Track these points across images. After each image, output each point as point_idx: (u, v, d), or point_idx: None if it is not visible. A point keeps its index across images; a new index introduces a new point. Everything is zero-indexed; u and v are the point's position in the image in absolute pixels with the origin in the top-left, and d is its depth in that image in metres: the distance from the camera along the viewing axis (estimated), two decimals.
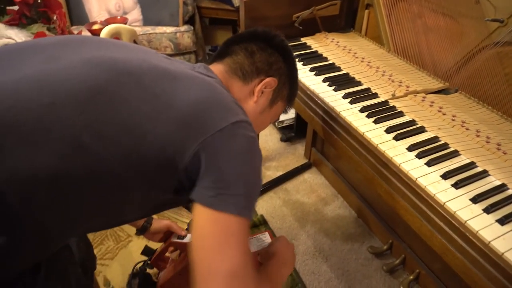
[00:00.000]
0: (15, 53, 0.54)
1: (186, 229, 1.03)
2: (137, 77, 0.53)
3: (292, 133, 1.87)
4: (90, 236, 1.37)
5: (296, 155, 1.80)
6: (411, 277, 1.24)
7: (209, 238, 0.50)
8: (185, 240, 0.99)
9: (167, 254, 1.09)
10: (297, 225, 1.47)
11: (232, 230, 0.51)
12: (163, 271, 1.08)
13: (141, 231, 1.03)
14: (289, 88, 0.77)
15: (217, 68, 0.70)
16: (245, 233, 0.52)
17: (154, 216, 1.03)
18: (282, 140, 1.87)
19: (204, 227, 0.51)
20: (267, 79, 0.70)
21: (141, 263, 1.13)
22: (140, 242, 1.37)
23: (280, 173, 1.68)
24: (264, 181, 1.64)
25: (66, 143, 0.47)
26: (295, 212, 1.52)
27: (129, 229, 1.42)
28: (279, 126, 1.90)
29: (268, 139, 1.89)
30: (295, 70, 0.77)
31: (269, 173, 1.69)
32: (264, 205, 1.55)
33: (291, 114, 1.89)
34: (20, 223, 0.46)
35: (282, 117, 1.89)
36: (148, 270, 1.14)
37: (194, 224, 0.52)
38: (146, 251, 1.12)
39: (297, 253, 1.36)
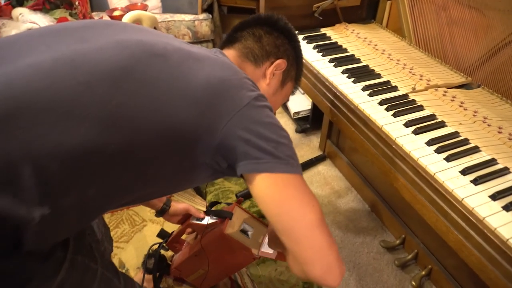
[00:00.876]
0: (48, 35, 0.56)
1: (204, 212, 1.05)
2: (164, 57, 0.56)
3: (307, 124, 1.86)
4: (106, 219, 1.41)
5: (311, 146, 1.79)
6: (423, 272, 1.24)
7: (287, 202, 0.55)
8: (204, 222, 1.02)
9: (183, 236, 1.11)
10: None
11: (299, 186, 0.56)
12: (178, 254, 1.11)
13: (160, 213, 1.05)
14: (296, 69, 0.80)
15: (229, 53, 0.72)
16: (304, 181, 0.58)
17: (173, 199, 1.07)
18: (297, 131, 1.87)
19: (277, 195, 0.55)
20: (278, 61, 0.73)
21: (157, 245, 1.16)
22: (154, 227, 1.40)
23: None
24: None
25: (103, 119, 0.49)
26: None
27: (144, 214, 1.44)
28: (294, 117, 1.90)
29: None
30: (300, 51, 0.80)
31: None
32: None
33: (306, 105, 1.88)
34: (62, 196, 0.48)
35: (298, 108, 1.88)
36: (163, 253, 1.17)
37: (261, 196, 0.56)
38: (162, 233, 1.16)
39: None
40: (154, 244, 1.18)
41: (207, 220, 1.02)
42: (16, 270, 0.49)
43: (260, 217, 1.05)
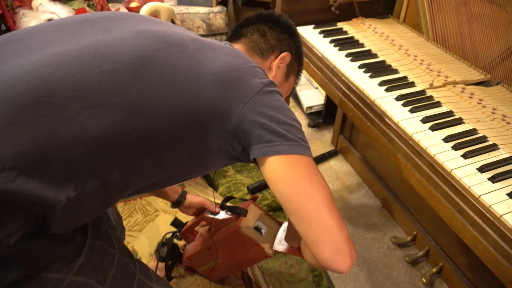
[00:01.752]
0: (71, 26, 0.58)
1: (220, 206, 1.05)
2: (182, 47, 0.58)
3: (320, 119, 1.86)
4: (120, 208, 1.43)
5: (323, 141, 1.79)
6: (434, 270, 1.24)
7: (298, 181, 0.56)
8: (218, 216, 1.02)
9: (196, 228, 1.12)
10: None
11: (310, 166, 0.58)
12: (191, 244, 1.13)
13: (175, 204, 1.07)
14: (298, 63, 0.83)
15: (237, 47, 0.75)
16: (314, 164, 0.59)
17: (185, 190, 1.08)
18: (309, 125, 1.87)
19: (288, 174, 0.56)
20: (283, 54, 0.76)
21: (171, 234, 1.18)
22: (166, 217, 1.42)
23: None
24: None
25: (126, 106, 0.51)
26: None
27: (157, 204, 1.46)
28: (307, 112, 1.89)
29: None
30: (300, 46, 0.83)
31: None
32: None
33: (319, 100, 1.88)
34: (87, 180, 0.50)
35: (311, 102, 1.88)
36: (176, 242, 1.18)
37: (272, 177, 0.57)
38: (176, 222, 1.17)
39: None
40: (168, 233, 1.21)
41: (222, 215, 1.03)
42: (41, 252, 0.51)
43: (270, 211, 1.07)
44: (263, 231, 0.96)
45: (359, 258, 1.32)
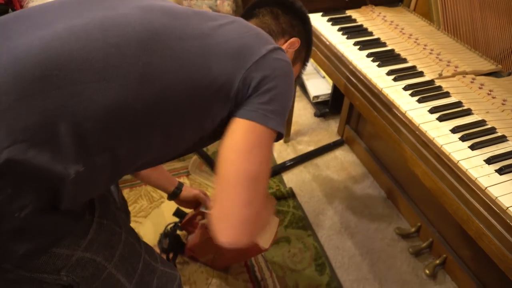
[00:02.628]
0: (78, 4, 0.58)
1: None
2: (185, 20, 0.59)
3: (326, 109, 1.84)
4: (125, 195, 1.44)
5: (329, 131, 1.78)
6: (437, 261, 1.24)
7: (243, 144, 0.57)
8: None
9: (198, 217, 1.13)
10: (325, 200, 1.48)
11: (264, 141, 0.58)
12: (192, 235, 1.13)
13: (171, 196, 1.07)
14: (306, 51, 0.82)
15: None
16: (272, 146, 0.60)
17: (186, 183, 1.08)
18: (316, 115, 1.86)
19: (240, 135, 0.57)
20: (292, 39, 0.76)
21: (172, 224, 1.18)
22: (172, 204, 1.42)
23: (311, 148, 1.68)
24: (295, 155, 1.64)
25: (132, 78, 0.51)
26: (324, 188, 1.52)
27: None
28: (314, 101, 1.88)
29: (302, 113, 1.88)
30: (311, 34, 0.83)
31: (301, 147, 1.69)
32: (294, 179, 1.56)
33: (327, 89, 1.86)
34: (95, 154, 0.51)
35: (318, 92, 1.86)
36: (178, 232, 1.19)
37: (229, 135, 0.58)
38: (178, 212, 1.18)
39: (323, 228, 1.38)
40: (170, 224, 1.20)
41: None
42: (52, 226, 0.52)
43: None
44: None
45: (363, 248, 1.32)
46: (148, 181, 1.03)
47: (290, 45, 0.76)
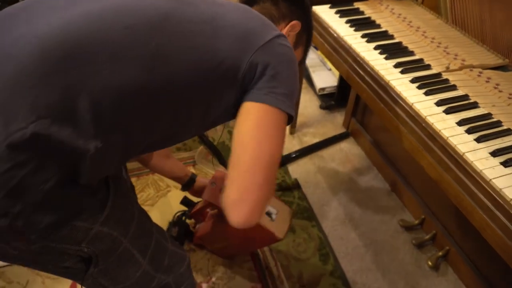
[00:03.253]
0: None
1: None
2: (194, 5, 0.61)
3: (332, 101, 1.85)
4: (133, 183, 1.46)
5: (335, 123, 1.79)
6: (440, 253, 1.25)
7: (258, 128, 0.59)
8: None
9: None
10: (329, 192, 1.49)
11: (278, 124, 0.60)
12: (202, 224, 1.14)
13: (185, 187, 1.09)
14: (307, 36, 0.83)
15: None
16: (285, 128, 0.62)
17: (197, 167, 1.09)
18: (321, 107, 1.86)
19: (254, 119, 0.59)
20: (293, 22, 0.77)
21: (180, 213, 1.20)
22: (178, 193, 1.43)
23: (317, 140, 1.69)
24: (301, 146, 1.65)
25: (146, 59, 0.54)
26: (329, 180, 1.54)
27: (168, 179, 1.46)
28: (320, 94, 1.88)
29: (308, 105, 1.88)
30: (311, 21, 0.85)
31: (306, 139, 1.70)
32: (299, 170, 1.57)
33: (333, 82, 1.86)
34: (112, 131, 0.54)
35: (324, 84, 1.86)
36: (186, 221, 1.21)
37: (242, 119, 0.60)
38: (185, 201, 1.19)
39: (328, 219, 1.40)
40: (178, 212, 1.23)
41: None
42: (72, 200, 0.55)
43: (279, 191, 1.06)
44: (273, 216, 0.97)
45: (366, 239, 1.34)
46: (162, 170, 1.05)
47: (291, 27, 0.77)
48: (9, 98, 0.48)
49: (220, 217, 1.03)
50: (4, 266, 1.19)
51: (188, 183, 1.08)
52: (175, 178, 1.09)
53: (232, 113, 0.64)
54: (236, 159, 0.59)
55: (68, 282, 1.16)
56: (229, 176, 0.60)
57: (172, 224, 1.21)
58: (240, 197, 0.58)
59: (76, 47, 0.51)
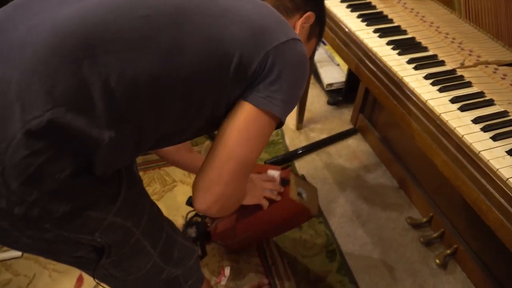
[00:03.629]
0: None
1: None
2: None
3: (340, 97, 1.83)
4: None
5: (342, 119, 1.78)
6: (448, 251, 1.24)
7: (244, 130, 0.60)
8: None
9: None
10: (336, 188, 1.48)
11: (265, 130, 0.62)
12: (219, 220, 1.11)
13: None
14: (320, 27, 0.83)
15: None
16: (270, 134, 0.63)
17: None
18: (329, 103, 1.85)
19: (243, 120, 0.60)
20: (308, 13, 0.76)
21: (193, 213, 1.18)
22: (184, 188, 1.44)
23: (324, 136, 1.68)
24: (308, 142, 1.64)
25: (161, 49, 0.54)
26: (336, 176, 1.53)
27: (175, 174, 1.49)
28: (327, 89, 1.87)
29: (315, 101, 1.87)
30: (324, 11, 0.84)
31: (313, 135, 1.69)
32: (306, 166, 1.57)
33: (341, 77, 1.85)
34: (125, 122, 0.54)
35: (332, 80, 1.85)
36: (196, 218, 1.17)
37: (233, 115, 0.61)
38: (191, 202, 1.12)
39: (335, 216, 1.39)
40: (189, 212, 1.20)
41: None
42: (87, 190, 0.56)
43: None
44: (303, 195, 1.01)
45: (374, 236, 1.33)
46: (183, 164, 1.03)
47: (306, 19, 0.76)
48: (26, 86, 0.48)
49: (246, 208, 1.02)
50: (11, 259, 1.20)
51: None
52: (195, 170, 1.06)
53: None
54: (215, 150, 0.62)
55: (75, 275, 1.16)
56: (204, 161, 0.63)
57: (187, 225, 1.18)
58: (206, 187, 0.62)
59: (92, 35, 0.51)
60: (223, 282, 1.12)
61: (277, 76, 0.59)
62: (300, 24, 0.76)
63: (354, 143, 1.67)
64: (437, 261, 1.24)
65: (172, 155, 0.98)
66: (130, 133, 0.55)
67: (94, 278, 0.68)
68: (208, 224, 1.16)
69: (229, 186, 0.62)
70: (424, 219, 1.34)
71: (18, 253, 1.20)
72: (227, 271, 1.16)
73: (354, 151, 1.64)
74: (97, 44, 0.51)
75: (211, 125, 0.68)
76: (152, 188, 1.44)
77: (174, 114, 0.59)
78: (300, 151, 1.59)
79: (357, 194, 1.46)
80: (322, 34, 0.85)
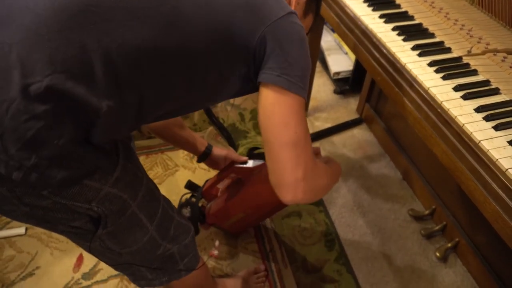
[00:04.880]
0: None
1: (248, 155, 1.07)
2: None
3: (347, 86, 1.80)
4: (141, 161, 1.47)
5: (348, 109, 1.75)
6: (449, 244, 1.22)
7: (276, 116, 0.61)
8: (249, 165, 1.04)
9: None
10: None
11: (294, 108, 0.61)
12: (214, 201, 1.12)
13: (202, 158, 1.08)
14: (316, 4, 0.82)
15: None
16: (303, 110, 0.63)
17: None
18: (335, 92, 1.82)
19: (271, 107, 0.61)
20: None
21: (189, 195, 1.17)
22: (186, 173, 1.45)
23: (329, 125, 1.65)
24: (312, 131, 1.62)
25: (161, 19, 0.54)
26: None
27: (177, 159, 1.49)
28: (334, 78, 1.83)
29: (321, 89, 1.84)
30: None
31: (318, 124, 1.67)
32: None
33: (348, 66, 1.81)
34: (125, 92, 0.54)
35: (339, 68, 1.81)
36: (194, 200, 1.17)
37: (261, 105, 0.62)
38: (190, 185, 1.17)
39: (336, 205, 1.38)
40: (184, 195, 1.20)
41: (251, 163, 1.04)
42: (85, 158, 0.56)
43: None
44: None
45: (374, 227, 1.32)
46: (177, 141, 1.03)
47: None
48: (26, 51, 0.48)
49: (237, 186, 1.02)
50: (15, 236, 1.22)
51: (204, 154, 1.07)
52: (191, 149, 1.07)
53: (249, 87, 0.66)
54: (266, 143, 0.63)
55: (75, 254, 1.19)
56: (265, 159, 0.64)
57: (182, 205, 1.17)
58: (278, 182, 0.63)
59: (92, 2, 0.51)
60: (216, 253, 1.12)
61: (283, 53, 0.59)
62: (295, 0, 0.74)
63: (359, 133, 1.65)
64: (438, 254, 1.22)
65: (164, 131, 0.98)
66: (131, 103, 0.55)
67: (90, 251, 0.69)
68: (204, 206, 1.17)
69: (298, 169, 0.61)
70: (427, 212, 1.31)
71: (21, 231, 1.23)
72: (217, 243, 1.16)
73: (358, 141, 1.61)
74: (97, 11, 0.51)
75: (213, 100, 0.70)
76: (154, 172, 1.45)
77: (177, 86, 0.59)
78: None
79: (359, 184, 1.44)
80: (319, 8, 0.84)
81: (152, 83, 0.56)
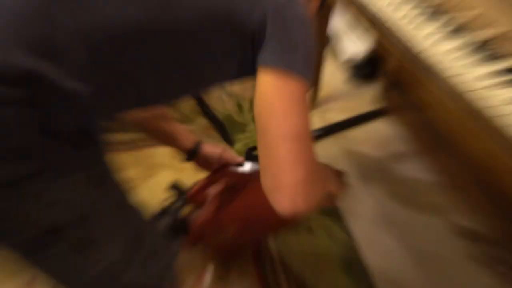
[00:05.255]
0: None
1: (245, 156, 1.01)
2: None
3: (361, 73, 1.60)
4: (123, 159, 1.30)
5: (363, 99, 1.54)
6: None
7: (276, 103, 0.57)
8: (245, 168, 0.97)
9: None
10: (358, 183, 1.25)
11: (296, 96, 0.57)
12: (201, 210, 0.98)
13: (191, 155, 0.98)
14: None
15: None
16: (306, 101, 0.59)
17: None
18: (349, 80, 1.62)
19: (270, 93, 0.57)
20: None
21: (171, 200, 1.04)
22: (167, 173, 1.27)
23: (343, 117, 1.46)
24: (323, 124, 1.44)
25: (151, 0, 0.53)
26: (358, 167, 1.30)
27: (161, 157, 1.32)
28: (347, 64, 1.64)
29: (332, 77, 1.63)
30: None
31: (329, 116, 1.46)
32: (320, 153, 1.30)
33: (362, 51, 1.62)
34: (102, 74, 0.52)
35: (352, 54, 1.62)
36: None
37: (259, 90, 0.58)
38: (176, 186, 1.06)
39: (356, 218, 1.16)
40: (166, 199, 1.05)
41: (248, 167, 0.98)
42: (51, 151, 0.52)
43: None
44: None
45: (406, 246, 1.08)
46: (160, 135, 0.94)
47: None
48: None
49: (231, 193, 0.94)
50: None
51: (193, 152, 0.97)
52: (177, 145, 0.97)
53: (246, 71, 0.62)
54: (261, 139, 0.59)
55: None
56: (259, 160, 0.59)
57: (161, 213, 1.03)
58: (275, 183, 0.57)
59: None
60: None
61: (286, 33, 0.58)
62: None
63: (381, 126, 1.44)
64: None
65: (146, 123, 0.91)
66: (108, 88, 0.55)
67: (42, 268, 0.60)
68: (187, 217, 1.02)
69: (298, 169, 0.56)
70: (476, 226, 1.07)
71: None
72: (208, 274, 1.01)
73: (381, 136, 1.40)
74: None
75: (205, 85, 0.67)
76: (132, 172, 1.27)
77: (160, 70, 0.57)
78: (314, 135, 1.39)
79: (384, 190, 1.23)
80: None
81: (133, 67, 0.54)
